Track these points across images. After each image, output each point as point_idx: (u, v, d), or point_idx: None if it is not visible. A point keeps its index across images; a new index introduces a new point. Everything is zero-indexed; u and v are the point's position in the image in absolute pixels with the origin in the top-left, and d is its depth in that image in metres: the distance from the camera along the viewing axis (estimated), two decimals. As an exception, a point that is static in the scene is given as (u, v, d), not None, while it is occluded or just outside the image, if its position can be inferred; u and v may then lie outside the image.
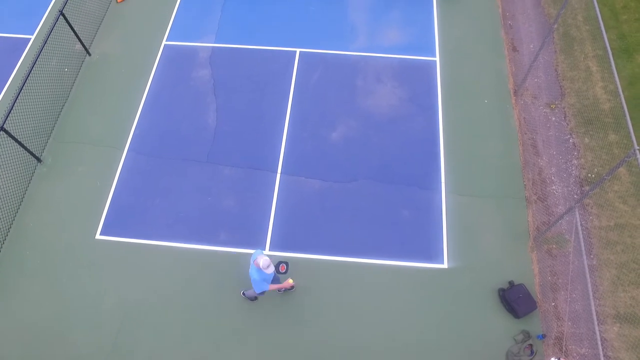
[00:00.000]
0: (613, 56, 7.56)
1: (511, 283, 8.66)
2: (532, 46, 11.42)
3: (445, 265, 8.95)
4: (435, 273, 8.89)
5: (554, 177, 9.80)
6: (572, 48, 11.16)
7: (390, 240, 9.20)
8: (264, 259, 6.92)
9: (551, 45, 11.35)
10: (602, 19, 7.70)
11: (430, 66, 11.42)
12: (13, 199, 9.64)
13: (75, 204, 9.69)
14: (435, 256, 9.05)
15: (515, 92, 10.81)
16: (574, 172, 9.77)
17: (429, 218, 9.43)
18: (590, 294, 7.46)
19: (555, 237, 9.10)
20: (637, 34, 11.10)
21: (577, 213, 7.83)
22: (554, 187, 9.70)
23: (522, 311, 8.31)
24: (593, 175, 9.58)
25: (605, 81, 10.47)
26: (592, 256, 8.89)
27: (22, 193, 9.76)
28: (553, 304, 8.54)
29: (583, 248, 7.71)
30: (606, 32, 10.09)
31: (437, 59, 11.53)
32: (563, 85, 10.75)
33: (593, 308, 7.40)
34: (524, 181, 9.78)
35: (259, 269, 7.14)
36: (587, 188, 9.44)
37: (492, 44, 11.73)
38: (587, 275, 7.59)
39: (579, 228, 7.63)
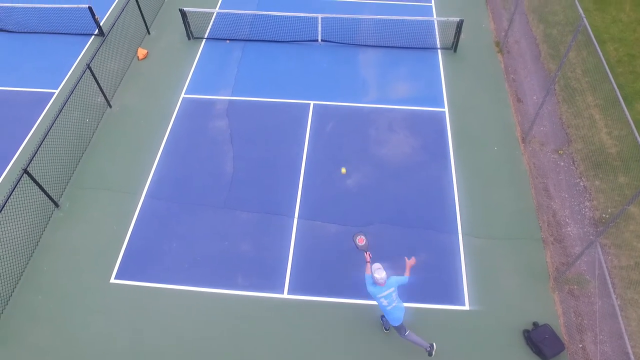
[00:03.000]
0: (614, 104, 7.97)
1: (535, 324, 8.48)
2: (535, 97, 11.99)
3: (466, 307, 8.79)
4: (457, 315, 8.71)
5: (568, 219, 9.91)
6: (574, 98, 11.73)
7: (410, 282, 9.07)
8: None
9: (553, 96, 11.93)
10: (599, 71, 8.18)
11: (440, 117, 11.89)
12: (28, 243, 9.58)
13: (91, 248, 9.62)
14: (456, 298, 8.91)
15: (523, 140, 11.20)
16: (587, 213, 9.90)
17: (448, 260, 9.39)
18: (625, 336, 7.29)
19: (575, 278, 9.04)
20: (633, 84, 11.74)
21: (598, 247, 7.87)
22: (569, 229, 9.77)
23: (550, 352, 8.07)
24: (607, 216, 9.71)
25: (609, 127, 10.90)
26: (615, 296, 8.77)
27: (37, 237, 9.72)
28: (581, 345, 8.32)
29: (610, 284, 7.66)
30: (603, 83, 10.66)
31: (446, 109, 12.04)
32: (569, 132, 11.17)
33: (630, 350, 7.19)
34: (539, 223, 9.87)
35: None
36: (602, 228, 9.53)
37: (498, 96, 12.32)
38: (619, 315, 7.47)
39: (602, 262, 7.63)
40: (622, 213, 7.01)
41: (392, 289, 7.35)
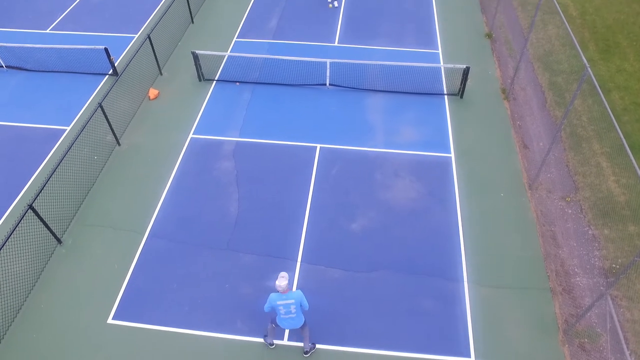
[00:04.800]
0: (621, 152, 7.95)
1: (545, 379, 8.14)
2: (541, 144, 11.98)
3: (472, 359, 8.48)
4: (463, 367, 8.39)
5: (577, 268, 9.67)
6: (581, 146, 11.71)
7: (414, 332, 8.83)
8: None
9: (560, 143, 11.91)
10: (605, 119, 8.22)
11: (446, 162, 11.88)
12: (28, 279, 9.51)
13: (90, 287, 9.51)
14: (462, 349, 8.59)
15: (530, 186, 11.11)
16: (597, 263, 9.67)
17: (453, 309, 9.14)
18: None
19: (586, 331, 8.73)
20: (640, 133, 11.76)
21: (609, 300, 7.62)
22: (578, 279, 9.52)
23: (561, 410, 7.70)
24: (617, 266, 9.47)
25: (616, 175, 10.81)
26: (628, 352, 8.43)
27: (38, 273, 9.65)
28: (593, 403, 7.94)
29: (622, 339, 7.37)
30: (610, 131, 10.63)
31: (452, 155, 12.05)
32: (576, 179, 11.08)
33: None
34: (547, 272, 9.63)
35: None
36: (612, 279, 9.27)
37: (504, 142, 12.33)
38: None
39: (613, 315, 7.37)
40: (632, 265, 6.82)
41: (292, 301, 7.48)
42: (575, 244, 10.06)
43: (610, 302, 7.69)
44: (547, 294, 9.33)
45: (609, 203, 10.52)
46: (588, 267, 9.66)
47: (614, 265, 9.52)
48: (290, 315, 7.62)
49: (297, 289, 9.36)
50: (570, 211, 10.63)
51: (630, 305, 8.95)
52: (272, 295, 7.47)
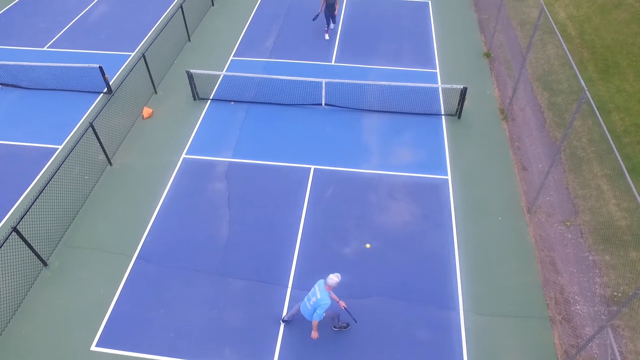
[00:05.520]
0: (622, 175, 7.70)
1: (544, 415, 7.78)
2: (540, 166, 11.72)
3: (469, 392, 8.14)
4: (459, 401, 8.04)
5: (577, 296, 9.34)
6: (581, 168, 11.44)
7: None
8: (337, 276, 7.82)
9: (559, 165, 11.66)
10: (605, 141, 7.98)
11: (442, 184, 11.63)
12: (11, 303, 9.24)
13: (75, 311, 9.24)
14: (458, 381, 8.27)
15: (529, 210, 10.83)
16: (598, 290, 9.34)
17: (448, 338, 8.80)
18: None
19: (587, 363, 8.38)
20: (642, 155, 11.47)
21: (609, 332, 7.29)
22: (578, 307, 9.19)
23: None
24: (619, 294, 9.13)
25: (617, 199, 10.52)
26: (631, 385, 8.08)
27: (21, 297, 9.39)
28: None
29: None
30: (611, 153, 10.38)
31: (449, 177, 11.80)
32: (575, 203, 10.80)
33: None
34: (546, 300, 9.31)
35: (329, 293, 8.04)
36: (614, 308, 8.93)
37: (502, 164, 12.09)
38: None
39: (614, 348, 7.04)
40: (634, 297, 6.52)
41: (318, 296, 7.86)
42: (575, 270, 9.74)
43: (611, 334, 7.36)
44: (546, 322, 8.99)
45: (610, 228, 10.22)
46: (589, 294, 9.33)
47: (615, 293, 9.19)
48: (307, 303, 8.12)
49: (287, 314, 9.07)
50: (570, 236, 10.34)
51: (633, 336, 8.60)
52: (321, 280, 8.09)
